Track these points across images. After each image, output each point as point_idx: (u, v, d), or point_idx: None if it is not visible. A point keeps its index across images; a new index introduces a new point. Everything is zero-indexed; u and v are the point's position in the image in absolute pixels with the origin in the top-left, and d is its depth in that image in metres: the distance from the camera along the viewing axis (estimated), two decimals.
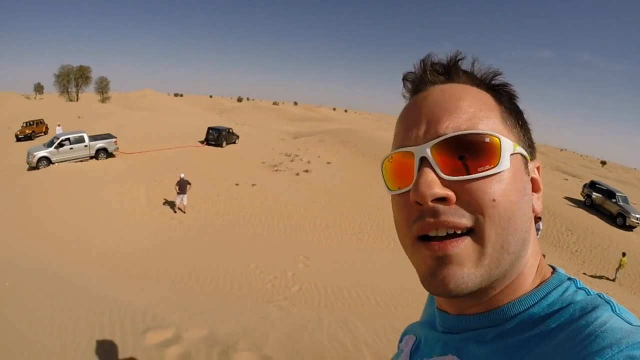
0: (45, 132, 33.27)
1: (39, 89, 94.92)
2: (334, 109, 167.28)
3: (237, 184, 20.16)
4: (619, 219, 21.51)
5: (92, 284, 8.28)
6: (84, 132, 22.38)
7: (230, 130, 32.01)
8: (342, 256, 12.74)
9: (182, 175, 15.67)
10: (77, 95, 74.40)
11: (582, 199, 25.22)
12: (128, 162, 22.72)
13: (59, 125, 29.19)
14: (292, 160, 26.72)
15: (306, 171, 24.12)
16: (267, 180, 21.56)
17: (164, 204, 16.60)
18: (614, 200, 22.51)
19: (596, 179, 31.37)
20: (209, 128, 31.02)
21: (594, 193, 24.00)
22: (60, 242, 11.83)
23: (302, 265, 11.03)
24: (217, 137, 29.94)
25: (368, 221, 17.30)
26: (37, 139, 30.41)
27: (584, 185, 26.00)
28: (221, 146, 29.88)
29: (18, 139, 29.76)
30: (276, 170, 24.07)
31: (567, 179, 39.40)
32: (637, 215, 21.40)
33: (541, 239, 17.82)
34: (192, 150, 27.97)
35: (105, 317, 4.84)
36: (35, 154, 20.22)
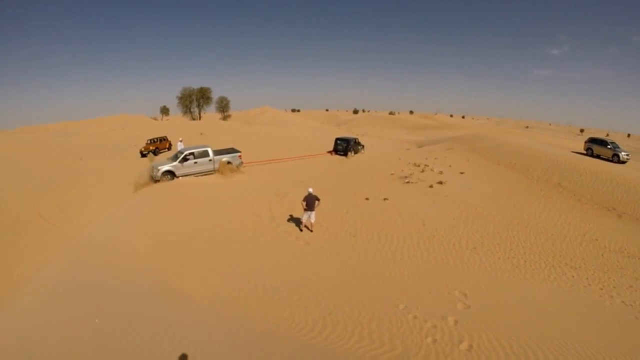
0: (169, 148, 36.35)
1: (164, 111, 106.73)
2: (451, 116, 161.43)
3: (367, 199, 18.46)
4: (615, 158, 29.42)
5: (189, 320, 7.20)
6: (208, 146, 22.34)
7: (357, 141, 32.01)
8: (504, 292, 10.03)
9: (310, 190, 13.99)
10: (200, 114, 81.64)
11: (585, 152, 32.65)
12: (251, 175, 22.41)
13: (180, 141, 30.91)
14: (422, 171, 24.36)
15: (440, 183, 21.55)
16: (399, 194, 19.54)
17: (288, 220, 15.33)
18: (609, 147, 30.62)
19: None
20: (337, 139, 31.54)
21: (593, 145, 32.03)
22: (174, 258, 11.25)
23: (462, 306, 8.63)
24: (346, 147, 30.26)
25: (518, 242, 14.71)
26: (160, 154, 33.26)
27: (585, 142, 34.05)
28: (347, 156, 29.86)
29: (143, 155, 32.60)
30: (407, 182, 21.90)
31: None
32: (625, 152, 29.91)
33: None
34: (315, 162, 27.38)
35: None
36: (159, 167, 20.56)
